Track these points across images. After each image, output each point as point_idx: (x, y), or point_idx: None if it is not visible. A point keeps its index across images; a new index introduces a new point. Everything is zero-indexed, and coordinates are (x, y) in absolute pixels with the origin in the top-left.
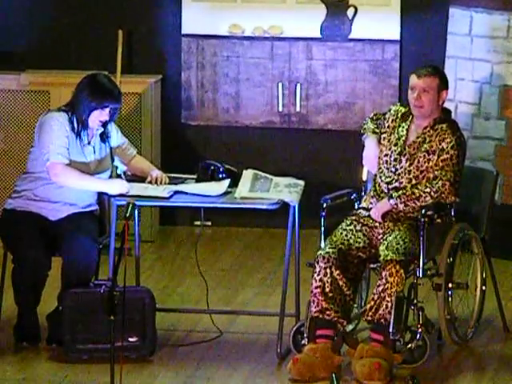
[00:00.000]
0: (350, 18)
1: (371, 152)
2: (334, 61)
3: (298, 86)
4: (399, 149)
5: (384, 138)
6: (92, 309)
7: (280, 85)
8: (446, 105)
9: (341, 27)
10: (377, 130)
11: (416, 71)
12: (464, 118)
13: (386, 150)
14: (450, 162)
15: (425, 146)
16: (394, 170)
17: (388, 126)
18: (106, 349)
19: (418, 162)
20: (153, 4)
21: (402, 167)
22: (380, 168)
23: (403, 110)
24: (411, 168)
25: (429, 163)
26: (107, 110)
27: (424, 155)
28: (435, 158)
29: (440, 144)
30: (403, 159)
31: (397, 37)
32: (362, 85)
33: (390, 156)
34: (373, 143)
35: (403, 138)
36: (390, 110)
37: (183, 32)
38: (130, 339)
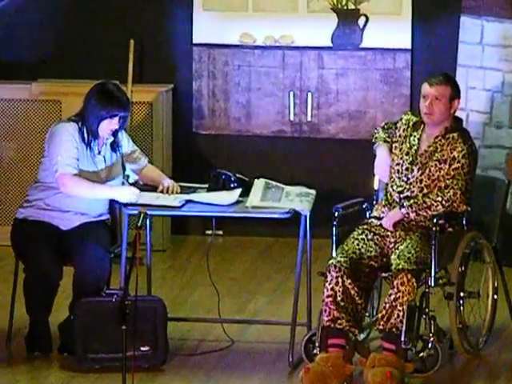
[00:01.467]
0: (361, 26)
1: (383, 161)
2: (345, 70)
3: (310, 95)
4: (411, 158)
5: (395, 147)
6: (104, 318)
7: (291, 94)
8: (458, 114)
9: (352, 36)
10: (388, 139)
11: (428, 79)
12: (475, 127)
13: (397, 159)
14: (461, 171)
15: (436, 155)
16: (405, 179)
17: (399, 135)
18: (117, 358)
19: (430, 171)
20: (164, 13)
21: (413, 176)
22: (391, 177)
23: (415, 119)
24: (423, 177)
25: (440, 172)
26: (116, 118)
27: (435, 164)
28: (446, 166)
29: (451, 153)
30: (415, 168)
31: (408, 46)
32: (374, 94)
33: (402, 165)
34: (384, 152)
35: (415, 148)
36: (401, 119)
37: (194, 41)
38: (142, 348)
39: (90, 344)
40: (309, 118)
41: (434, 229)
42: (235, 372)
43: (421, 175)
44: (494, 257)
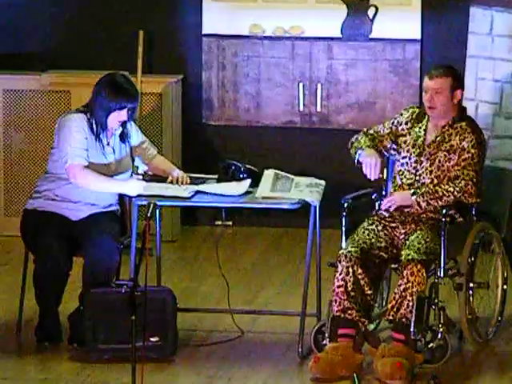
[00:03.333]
0: (371, 17)
1: (372, 159)
2: (354, 60)
3: (319, 85)
4: (418, 150)
5: (403, 141)
6: (113, 309)
7: (301, 85)
8: (467, 104)
9: (361, 27)
10: (372, 143)
11: (428, 72)
12: (485, 118)
13: (404, 152)
14: (471, 162)
15: (445, 145)
16: (414, 171)
17: (402, 129)
18: (127, 349)
19: (439, 161)
20: (173, 4)
21: (422, 167)
22: (400, 170)
23: (417, 110)
24: (432, 168)
25: (450, 162)
26: (125, 110)
27: (444, 154)
28: (456, 157)
29: (460, 143)
30: (424, 159)
31: (418, 36)
32: (383, 84)
33: (410, 158)
34: (371, 152)
35: (421, 139)
36: (401, 115)
37: (204, 32)
38: (152, 339)
39: (100, 334)
40: (318, 109)
41: (443, 219)
42: (245, 362)
43: (430, 166)
44: (504, 247)
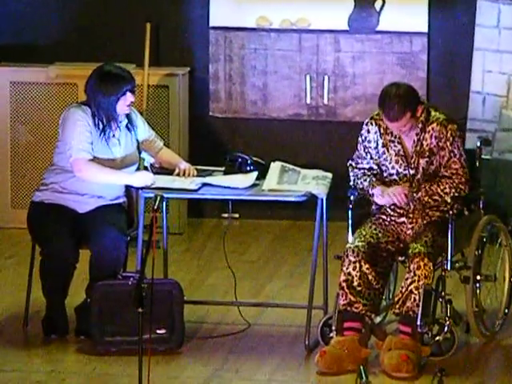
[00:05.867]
0: (378, 10)
1: (397, 191)
2: (361, 53)
3: (326, 78)
4: (402, 162)
5: (385, 158)
6: (120, 301)
7: (308, 77)
8: (474, 97)
9: (368, 19)
10: (372, 175)
11: (386, 113)
12: (492, 111)
13: (389, 169)
14: (455, 159)
15: (424, 151)
16: (405, 178)
17: (378, 151)
18: (134, 341)
19: (423, 169)
20: None
21: (412, 176)
22: (391, 179)
23: (375, 117)
24: (418, 176)
25: (433, 165)
26: (128, 93)
27: (426, 161)
28: (438, 157)
29: (438, 143)
30: (411, 171)
31: (425, 29)
32: (390, 77)
33: (397, 172)
34: (384, 188)
35: (401, 152)
36: (368, 132)
37: (211, 24)
38: (158, 331)
39: (107, 327)
40: (325, 102)
41: (450, 212)
42: (251, 355)
43: (416, 174)
44: (511, 240)
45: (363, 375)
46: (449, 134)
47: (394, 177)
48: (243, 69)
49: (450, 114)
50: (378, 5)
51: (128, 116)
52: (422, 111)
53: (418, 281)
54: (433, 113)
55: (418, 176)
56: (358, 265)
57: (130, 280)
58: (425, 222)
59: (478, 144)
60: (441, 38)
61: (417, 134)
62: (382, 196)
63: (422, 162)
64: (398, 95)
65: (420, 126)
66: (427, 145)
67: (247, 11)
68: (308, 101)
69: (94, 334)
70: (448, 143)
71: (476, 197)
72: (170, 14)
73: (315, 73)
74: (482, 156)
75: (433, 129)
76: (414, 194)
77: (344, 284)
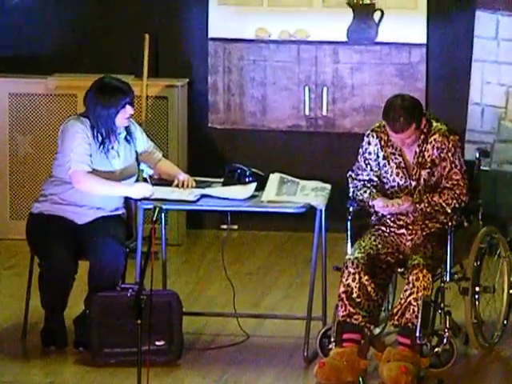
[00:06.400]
0: (377, 21)
1: (402, 203)
2: (360, 64)
3: (325, 89)
4: (403, 174)
5: (385, 171)
6: (119, 313)
7: (306, 88)
8: (473, 108)
9: (367, 31)
10: (372, 187)
11: (391, 124)
12: (490, 122)
13: (390, 182)
14: (457, 170)
15: (426, 163)
16: (406, 190)
17: (378, 163)
18: (132, 352)
19: (424, 180)
20: (179, 8)
21: (414, 188)
22: (393, 190)
23: (380, 129)
24: (419, 187)
25: (434, 176)
26: (128, 106)
27: (428, 172)
28: (439, 168)
29: (439, 154)
30: (412, 182)
31: (423, 40)
32: (389, 88)
33: (398, 184)
34: (387, 201)
35: (402, 164)
36: (369, 143)
37: (210, 36)
38: (157, 343)
39: (105, 338)
40: (324, 113)
41: (449, 224)
42: (250, 366)
43: (418, 185)
44: (510, 251)
45: None
46: (450, 145)
47: (395, 189)
48: (242, 80)
49: (449, 125)
50: (376, 16)
51: (127, 128)
52: (425, 123)
53: (417, 292)
54: (434, 123)
55: (420, 187)
56: (357, 276)
57: (128, 291)
58: (424, 233)
59: (477, 155)
60: (439, 49)
61: (418, 146)
62: (386, 206)
63: (424, 173)
64: (403, 107)
65: (422, 137)
66: (429, 156)
67: (246, 22)
68: (307, 112)
69: (92, 345)
70: (450, 154)
71: (475, 208)
72: (169, 25)
73: (314, 84)
74: (481, 167)
75: (435, 140)
76: (417, 205)
77: (343, 295)
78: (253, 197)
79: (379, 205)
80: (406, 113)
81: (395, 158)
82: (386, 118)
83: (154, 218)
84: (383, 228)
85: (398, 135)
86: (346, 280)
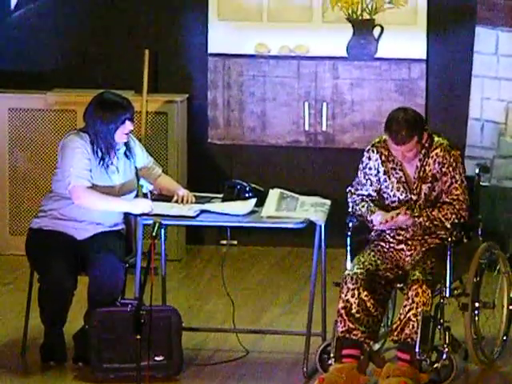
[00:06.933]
0: (376, 37)
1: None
2: (360, 80)
3: (324, 104)
4: (404, 189)
5: (386, 186)
6: (118, 328)
7: (306, 104)
8: (473, 124)
9: (367, 46)
10: (370, 202)
11: (393, 136)
12: (490, 137)
13: (391, 196)
14: (457, 185)
15: (427, 177)
16: (406, 204)
17: (379, 178)
18: (132, 368)
19: (425, 194)
20: (179, 23)
21: (415, 202)
22: (393, 205)
23: (380, 145)
24: (420, 201)
25: (435, 191)
26: (127, 121)
27: (428, 186)
28: (440, 183)
29: (441, 169)
30: (413, 197)
31: (423, 56)
32: (389, 104)
33: (399, 198)
34: (386, 214)
35: (403, 179)
36: (369, 158)
37: (209, 51)
38: (157, 358)
39: (105, 354)
40: (324, 128)
41: (449, 240)
42: (250, 382)
43: (418, 200)
44: (510, 267)
45: None
46: (452, 160)
47: (396, 204)
48: (242, 95)
49: (450, 141)
50: (376, 32)
51: (126, 143)
52: (427, 138)
53: (417, 308)
54: (436, 138)
55: (420, 202)
56: (356, 292)
57: (128, 307)
58: (424, 249)
59: (477, 171)
60: (439, 65)
61: (420, 160)
62: (384, 222)
63: (425, 187)
64: (405, 120)
65: (423, 151)
66: (430, 170)
67: (246, 38)
68: (306, 127)
69: (92, 360)
70: (451, 168)
71: (474, 224)
72: (169, 40)
73: (314, 99)
74: (481, 183)
75: (436, 154)
76: (416, 219)
77: (342, 311)
78: (252, 212)
79: (377, 219)
80: (408, 125)
81: (396, 173)
82: (388, 130)
83: (154, 234)
84: (382, 243)
85: (399, 147)
86: (346, 296)
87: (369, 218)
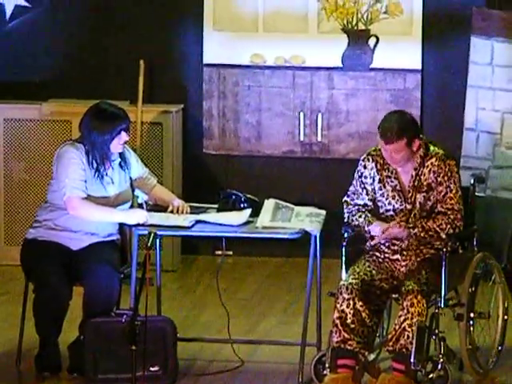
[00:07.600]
0: (372, 47)
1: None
2: (355, 90)
3: (320, 115)
4: (399, 198)
5: (381, 193)
6: (113, 338)
7: (301, 114)
8: (467, 134)
9: (362, 57)
10: (367, 212)
11: (382, 134)
12: (485, 148)
13: (386, 205)
14: (452, 195)
15: (422, 186)
16: (401, 213)
17: (374, 188)
18: (127, 378)
19: (420, 203)
20: (174, 34)
21: (410, 211)
22: (387, 214)
23: (375, 153)
24: (415, 211)
25: (430, 200)
26: (123, 132)
27: (423, 196)
28: (435, 193)
29: (436, 179)
30: (408, 206)
31: (418, 66)
32: (384, 114)
33: (393, 208)
34: (383, 224)
35: (398, 187)
36: (364, 167)
37: (205, 61)
38: (152, 369)
39: (100, 364)
40: (319, 139)
41: (444, 250)
42: None
43: (413, 209)
44: (505, 277)
45: None
46: (447, 169)
47: (391, 212)
48: (237, 106)
49: (445, 151)
50: (371, 42)
51: (121, 154)
52: (420, 146)
53: (412, 318)
54: (431, 148)
55: (415, 211)
56: (351, 302)
57: (123, 317)
58: (418, 259)
59: (472, 181)
60: (434, 75)
61: (415, 169)
62: (382, 233)
63: (420, 196)
64: (397, 120)
65: (419, 160)
66: (425, 179)
67: (241, 48)
68: (302, 138)
69: (87, 371)
70: (446, 178)
71: (470, 234)
72: (164, 51)
73: (309, 110)
74: (476, 193)
75: (432, 164)
76: (411, 230)
77: (338, 321)
78: (247, 223)
79: (376, 230)
80: (399, 126)
81: (391, 181)
82: (380, 128)
83: (149, 244)
84: (377, 254)
85: (387, 146)
86: (341, 306)
87: (366, 229)
